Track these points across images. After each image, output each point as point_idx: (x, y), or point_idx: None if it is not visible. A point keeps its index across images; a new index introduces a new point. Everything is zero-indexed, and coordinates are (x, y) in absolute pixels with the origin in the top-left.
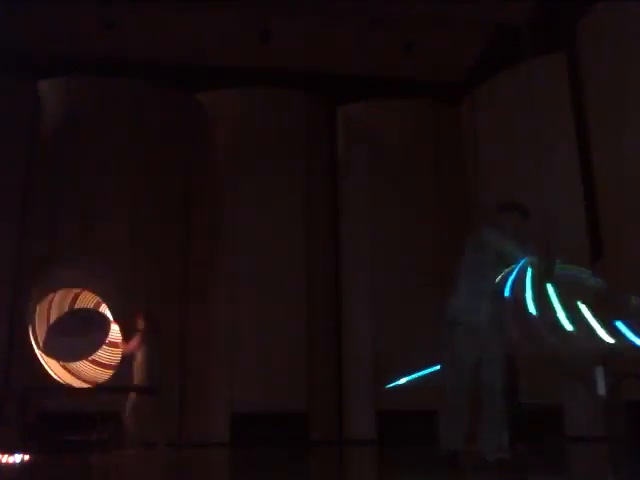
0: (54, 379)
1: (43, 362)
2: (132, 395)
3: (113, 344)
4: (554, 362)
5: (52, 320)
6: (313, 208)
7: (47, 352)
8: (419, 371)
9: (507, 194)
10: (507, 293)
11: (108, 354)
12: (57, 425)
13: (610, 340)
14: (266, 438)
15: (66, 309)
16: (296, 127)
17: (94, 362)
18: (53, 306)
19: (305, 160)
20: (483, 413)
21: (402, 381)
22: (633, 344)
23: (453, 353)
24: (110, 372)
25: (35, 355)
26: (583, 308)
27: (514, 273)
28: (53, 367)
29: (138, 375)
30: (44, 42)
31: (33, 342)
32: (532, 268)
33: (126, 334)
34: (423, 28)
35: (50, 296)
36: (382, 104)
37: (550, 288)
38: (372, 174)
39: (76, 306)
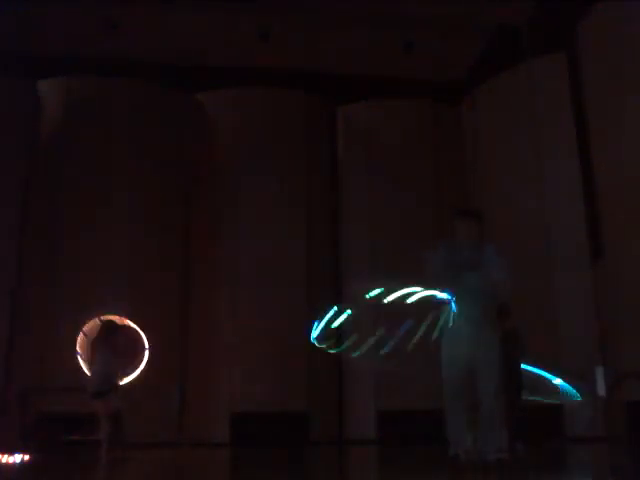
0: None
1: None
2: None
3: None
4: None
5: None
6: (313, 207)
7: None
8: None
9: (507, 194)
10: None
11: None
12: (57, 425)
13: None
14: (266, 438)
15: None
16: (296, 127)
17: None
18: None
19: (305, 160)
20: (482, 414)
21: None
22: None
23: (447, 356)
24: None
25: (35, 356)
26: None
27: None
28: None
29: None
30: (44, 42)
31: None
32: None
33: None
34: (423, 28)
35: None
36: (382, 104)
37: None
38: (372, 174)
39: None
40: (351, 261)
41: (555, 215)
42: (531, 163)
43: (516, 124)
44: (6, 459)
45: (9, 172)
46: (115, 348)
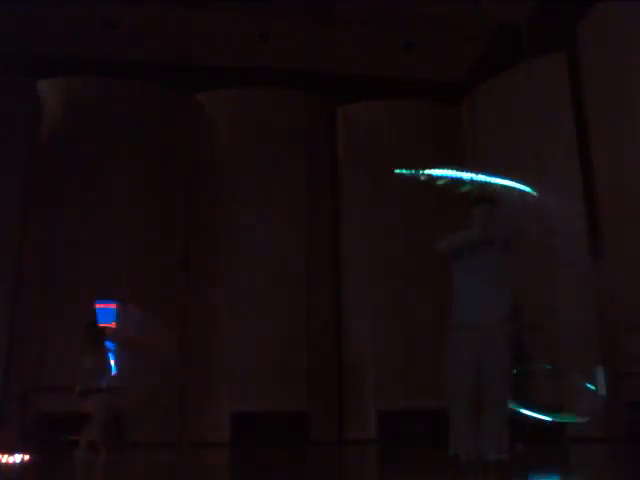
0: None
1: None
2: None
3: None
4: None
5: None
6: (313, 208)
7: None
8: None
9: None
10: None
11: None
12: (57, 425)
13: None
14: (266, 438)
15: None
16: (296, 127)
17: None
18: None
19: (305, 160)
20: (484, 414)
21: None
22: None
23: (454, 355)
24: None
25: (35, 356)
26: None
27: None
28: None
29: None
30: (44, 42)
31: None
32: None
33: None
34: (423, 28)
35: None
36: (382, 104)
37: None
38: (372, 174)
39: None
40: (351, 261)
41: (555, 215)
42: (531, 163)
43: (516, 124)
44: (6, 459)
45: (9, 172)
46: (103, 349)
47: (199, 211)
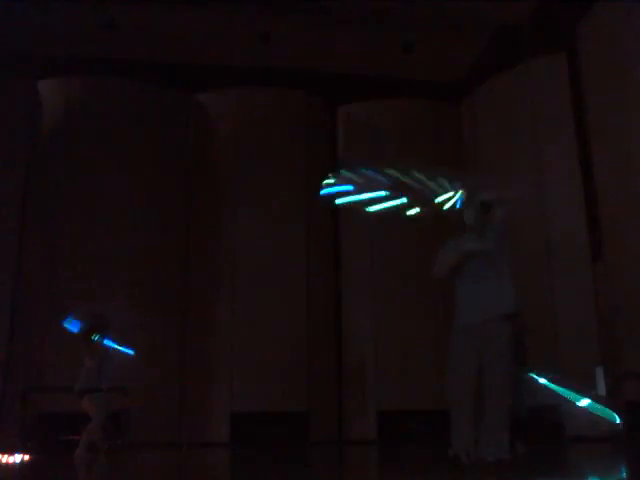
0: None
1: None
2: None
3: None
4: None
5: None
6: (313, 208)
7: None
8: None
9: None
10: None
11: None
12: (57, 425)
13: None
14: (266, 438)
15: None
16: (296, 127)
17: None
18: None
19: (305, 160)
20: (485, 414)
21: None
22: None
23: (455, 355)
24: None
25: (35, 356)
26: None
27: None
28: None
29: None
30: (44, 42)
31: None
32: None
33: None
34: (423, 28)
35: None
36: (382, 104)
37: None
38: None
39: None
40: (351, 261)
41: (555, 215)
42: (531, 163)
43: (516, 124)
44: (6, 459)
45: (9, 172)
46: (102, 348)
47: (199, 211)
